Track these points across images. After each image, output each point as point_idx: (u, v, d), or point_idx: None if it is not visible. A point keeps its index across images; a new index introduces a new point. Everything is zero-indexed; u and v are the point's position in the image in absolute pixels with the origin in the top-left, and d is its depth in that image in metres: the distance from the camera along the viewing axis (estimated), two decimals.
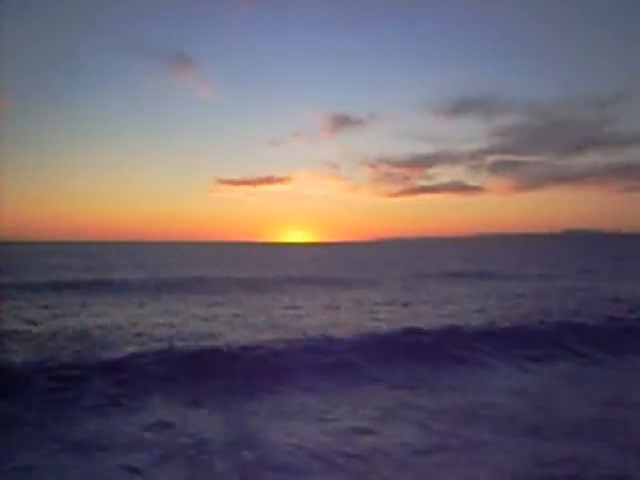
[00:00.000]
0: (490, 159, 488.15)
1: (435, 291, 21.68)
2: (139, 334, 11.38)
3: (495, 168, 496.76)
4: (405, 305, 17.07)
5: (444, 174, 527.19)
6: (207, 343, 10.26)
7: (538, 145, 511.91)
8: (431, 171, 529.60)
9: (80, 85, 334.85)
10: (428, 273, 32.99)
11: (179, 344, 10.09)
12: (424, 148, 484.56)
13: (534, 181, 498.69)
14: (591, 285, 24.11)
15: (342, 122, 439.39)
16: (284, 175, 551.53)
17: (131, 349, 9.63)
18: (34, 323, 12.77)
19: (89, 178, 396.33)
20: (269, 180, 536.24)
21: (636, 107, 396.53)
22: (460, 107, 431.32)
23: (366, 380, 8.76)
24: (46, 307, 16.14)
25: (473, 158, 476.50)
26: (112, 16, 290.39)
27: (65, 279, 25.18)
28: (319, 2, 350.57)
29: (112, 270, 33.90)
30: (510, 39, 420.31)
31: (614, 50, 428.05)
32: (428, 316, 14.23)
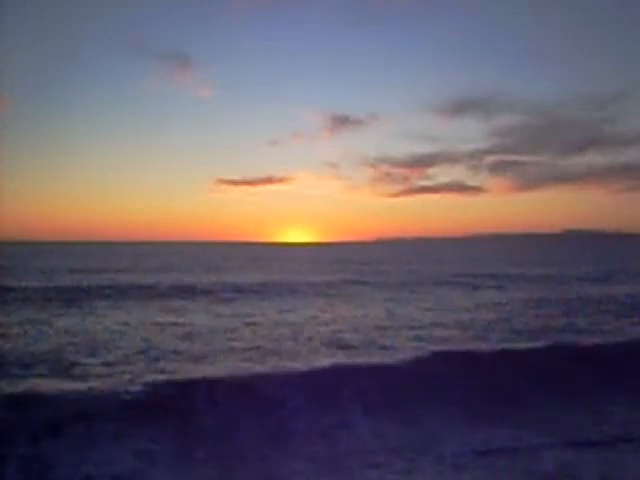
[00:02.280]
0: (490, 159, 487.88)
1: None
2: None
3: (495, 168, 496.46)
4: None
5: (444, 174, 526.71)
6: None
7: (538, 145, 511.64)
8: (431, 171, 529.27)
9: (80, 85, 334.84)
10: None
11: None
12: (424, 148, 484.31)
13: (534, 181, 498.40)
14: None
15: (342, 122, 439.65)
16: (284, 175, 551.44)
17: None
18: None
19: (89, 178, 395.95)
20: (269, 180, 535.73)
21: (636, 107, 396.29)
22: (460, 107, 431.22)
23: None
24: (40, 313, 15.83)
25: (473, 158, 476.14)
26: (112, 16, 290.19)
27: (61, 284, 24.42)
28: (319, 2, 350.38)
29: (114, 274, 33.49)
30: (510, 39, 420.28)
31: (614, 50, 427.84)
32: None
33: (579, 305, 18.32)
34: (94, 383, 7.68)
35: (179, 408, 6.63)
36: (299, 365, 8.94)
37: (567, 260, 55.43)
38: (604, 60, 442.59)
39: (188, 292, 22.21)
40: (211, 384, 7.22)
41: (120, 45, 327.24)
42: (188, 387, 7.25)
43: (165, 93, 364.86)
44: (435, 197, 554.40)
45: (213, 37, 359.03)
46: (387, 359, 9.40)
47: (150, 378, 7.86)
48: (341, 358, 9.66)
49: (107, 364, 9.15)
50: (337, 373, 8.05)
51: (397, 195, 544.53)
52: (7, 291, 20.66)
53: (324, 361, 9.14)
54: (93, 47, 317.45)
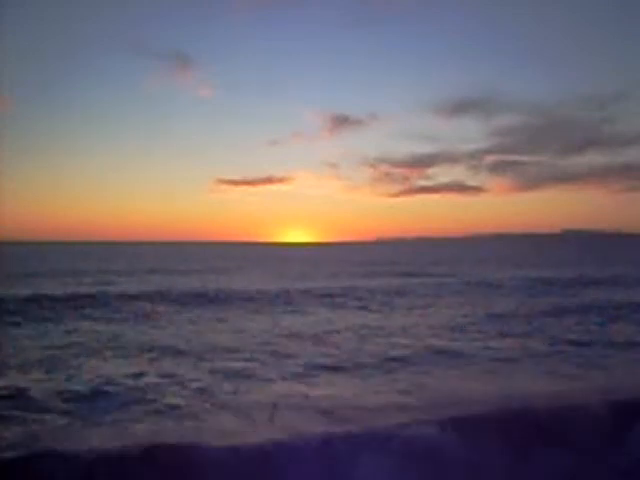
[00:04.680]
0: (490, 159, 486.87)
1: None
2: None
3: (495, 168, 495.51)
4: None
5: (444, 174, 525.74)
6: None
7: (538, 145, 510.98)
8: (431, 171, 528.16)
9: (80, 85, 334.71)
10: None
11: None
12: (424, 148, 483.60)
13: (534, 181, 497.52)
14: None
15: (342, 122, 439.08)
16: (284, 175, 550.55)
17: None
18: None
19: (89, 178, 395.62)
20: (269, 180, 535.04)
21: (636, 107, 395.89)
22: (460, 107, 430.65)
23: None
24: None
25: (473, 158, 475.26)
26: (112, 16, 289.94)
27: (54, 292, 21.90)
28: (319, 2, 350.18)
29: (116, 279, 32.82)
30: (510, 39, 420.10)
31: (614, 50, 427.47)
32: None
33: None
34: None
35: None
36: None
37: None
38: (604, 60, 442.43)
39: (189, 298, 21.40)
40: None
41: (120, 45, 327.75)
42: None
43: (165, 93, 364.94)
44: (435, 197, 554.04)
45: (213, 37, 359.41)
46: None
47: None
48: None
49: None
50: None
51: (397, 195, 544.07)
52: None
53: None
54: (93, 47, 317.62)
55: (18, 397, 7.74)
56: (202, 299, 20.71)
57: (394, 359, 10.41)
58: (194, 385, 8.53)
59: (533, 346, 11.88)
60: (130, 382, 8.64)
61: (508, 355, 10.91)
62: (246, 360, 10.35)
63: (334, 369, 9.65)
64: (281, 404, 7.38)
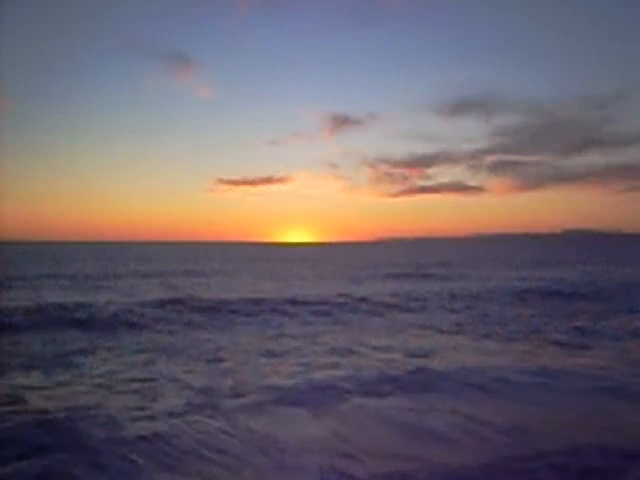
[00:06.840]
0: (490, 159, 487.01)
1: None
2: None
3: (495, 168, 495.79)
4: None
5: (444, 174, 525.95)
6: None
7: (538, 145, 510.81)
8: (431, 171, 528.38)
9: (80, 85, 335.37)
10: None
11: None
12: (424, 148, 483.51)
13: (534, 181, 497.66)
14: None
15: (342, 122, 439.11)
16: (284, 175, 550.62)
17: None
18: None
19: (89, 178, 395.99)
20: (269, 180, 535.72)
21: (636, 107, 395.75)
22: (460, 107, 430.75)
23: None
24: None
25: (473, 158, 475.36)
26: (112, 16, 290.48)
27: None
28: (319, 2, 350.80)
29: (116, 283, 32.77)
30: (510, 39, 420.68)
31: (614, 50, 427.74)
32: None
33: None
34: None
35: None
36: None
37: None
38: (604, 60, 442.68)
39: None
40: None
41: (120, 45, 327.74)
42: None
43: (165, 93, 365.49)
44: (435, 197, 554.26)
45: (213, 37, 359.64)
46: None
47: None
48: None
49: None
50: None
51: (397, 195, 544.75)
52: None
53: None
54: (93, 47, 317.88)
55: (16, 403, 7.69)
56: (194, 305, 20.47)
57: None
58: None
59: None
60: (128, 387, 8.67)
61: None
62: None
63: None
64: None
